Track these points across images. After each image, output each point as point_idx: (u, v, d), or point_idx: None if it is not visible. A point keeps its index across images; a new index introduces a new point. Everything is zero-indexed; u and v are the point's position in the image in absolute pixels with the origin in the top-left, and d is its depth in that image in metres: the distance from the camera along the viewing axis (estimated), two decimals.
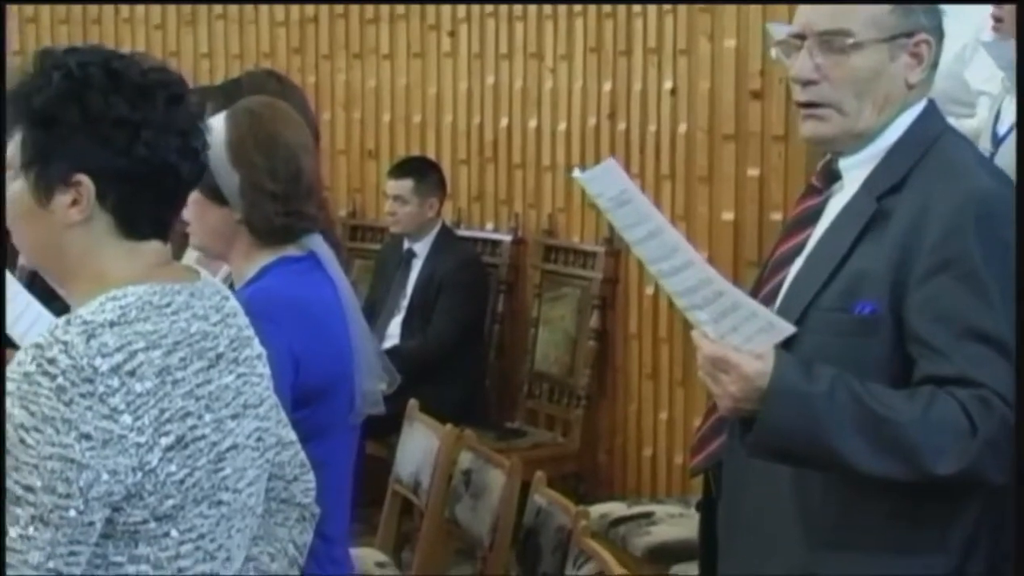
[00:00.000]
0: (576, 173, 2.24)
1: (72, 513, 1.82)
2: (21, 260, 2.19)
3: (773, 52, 2.46)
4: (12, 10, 7.46)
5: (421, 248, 6.04)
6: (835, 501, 2.26)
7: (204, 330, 1.97)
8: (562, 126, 6.03)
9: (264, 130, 2.68)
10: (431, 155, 6.40)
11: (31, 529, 1.81)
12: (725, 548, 2.42)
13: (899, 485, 2.19)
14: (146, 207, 1.97)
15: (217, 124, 2.67)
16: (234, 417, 1.99)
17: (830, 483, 2.25)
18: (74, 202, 1.94)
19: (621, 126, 5.76)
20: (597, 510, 4.54)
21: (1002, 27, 3.61)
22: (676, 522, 4.53)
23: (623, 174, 2.17)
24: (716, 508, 2.46)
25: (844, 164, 2.38)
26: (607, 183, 2.17)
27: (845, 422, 2.16)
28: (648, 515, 4.64)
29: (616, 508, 4.77)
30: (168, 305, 1.94)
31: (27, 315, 3.74)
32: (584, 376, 5.79)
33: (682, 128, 5.51)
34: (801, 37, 2.35)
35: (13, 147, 1.97)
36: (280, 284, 2.65)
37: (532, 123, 6.15)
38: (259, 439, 2.06)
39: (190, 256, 2.83)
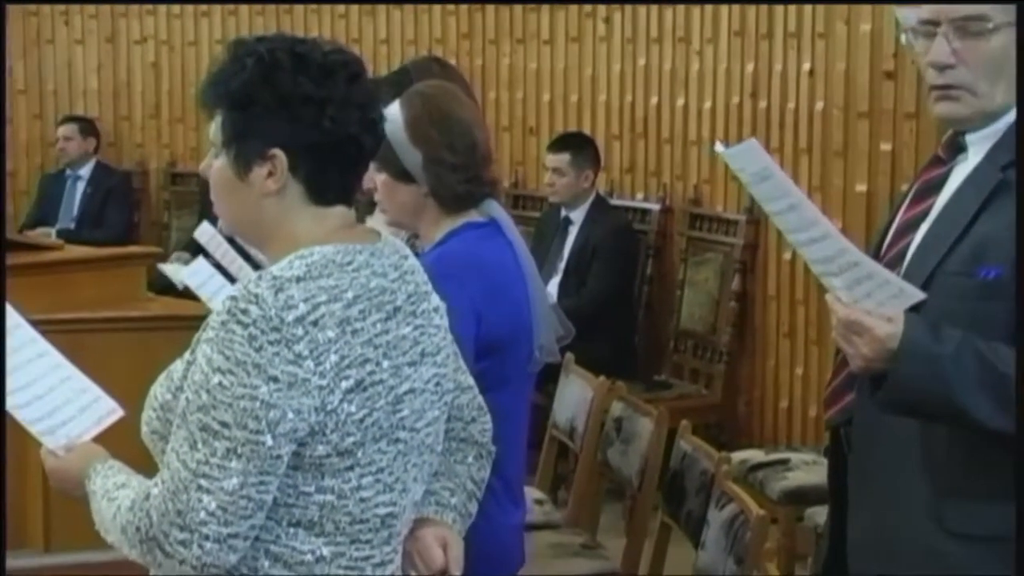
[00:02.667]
0: (719, 148, 2.22)
1: (262, 447, 1.86)
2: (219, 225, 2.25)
3: (903, 38, 2.41)
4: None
5: (577, 216, 6.04)
6: (960, 453, 2.22)
7: (383, 285, 1.99)
8: (707, 104, 5.97)
9: (437, 108, 2.70)
10: (587, 131, 6.39)
11: (227, 460, 1.86)
12: (855, 499, 2.38)
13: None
14: (332, 175, 2.00)
15: (393, 110, 2.69)
16: (411, 364, 2.00)
17: (955, 437, 2.21)
18: (270, 174, 1.97)
19: (762, 104, 5.70)
20: (737, 456, 4.52)
21: None
22: (810, 469, 4.49)
23: (764, 152, 2.15)
24: (845, 460, 2.44)
25: (970, 138, 2.32)
26: (748, 160, 2.15)
27: (970, 380, 2.12)
28: (784, 461, 4.61)
29: (754, 455, 4.74)
30: (350, 263, 1.96)
31: (210, 283, 3.86)
32: (726, 334, 5.75)
33: (819, 106, 5.44)
34: (934, 23, 2.30)
35: (214, 127, 2.01)
36: (463, 246, 2.67)
37: (680, 101, 6.11)
38: (437, 384, 2.07)
39: (378, 219, 2.87)
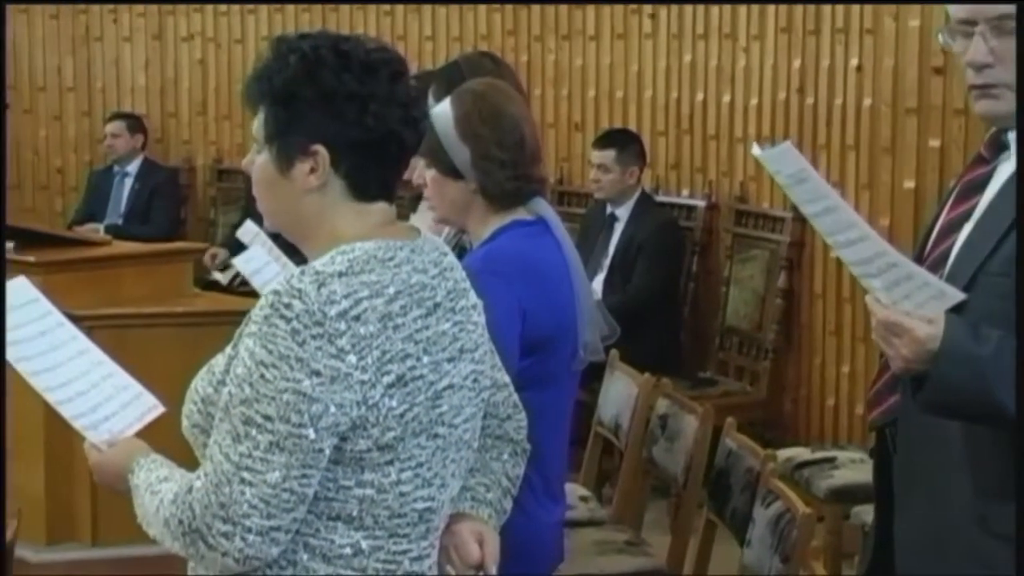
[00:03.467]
0: (755, 151, 2.21)
1: (304, 440, 1.86)
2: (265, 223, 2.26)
3: (940, 38, 2.39)
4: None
5: (622, 212, 6.03)
6: (1004, 454, 2.20)
7: (423, 282, 1.99)
8: (754, 101, 5.94)
9: (487, 105, 2.70)
10: (632, 128, 6.37)
11: (269, 453, 1.87)
12: (901, 500, 2.37)
13: None
14: (374, 172, 2.00)
15: (443, 107, 2.70)
16: (450, 360, 2.01)
17: (999, 437, 2.19)
18: (312, 170, 1.98)
19: (809, 100, 5.66)
20: (783, 454, 4.49)
21: None
22: (857, 467, 4.46)
23: (799, 155, 2.14)
24: (890, 461, 2.42)
25: (1012, 136, 2.30)
26: (785, 162, 2.14)
27: (1011, 381, 2.10)
28: (831, 460, 4.58)
29: (800, 453, 4.72)
30: (391, 259, 1.96)
31: (265, 271, 3.86)
32: (771, 331, 5.72)
33: (867, 102, 5.40)
34: (971, 23, 2.27)
35: (257, 123, 2.02)
36: (510, 244, 2.67)
37: (726, 98, 6.08)
38: (475, 380, 2.07)
39: (421, 216, 2.88)
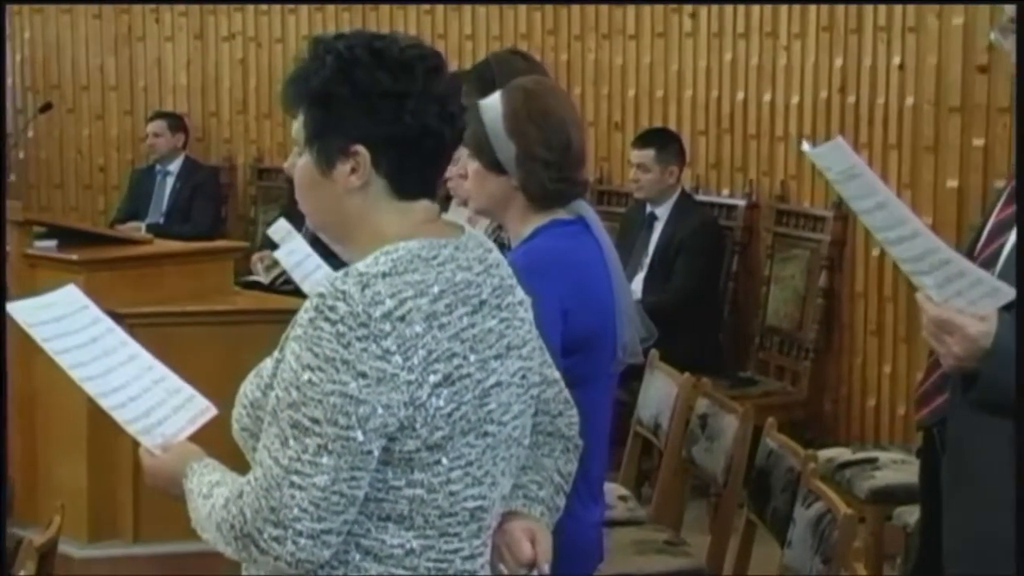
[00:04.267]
0: (805, 147, 2.19)
1: (353, 443, 1.86)
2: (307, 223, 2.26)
3: (992, 36, 2.36)
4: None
5: (662, 212, 6.01)
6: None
7: (468, 279, 1.98)
8: (795, 100, 5.91)
9: (537, 104, 2.69)
10: (672, 127, 6.35)
11: (318, 456, 1.87)
12: (949, 501, 2.35)
13: None
14: (414, 169, 2.00)
15: (493, 101, 2.70)
16: (498, 357, 2.00)
17: None
18: (353, 170, 1.98)
19: (851, 99, 5.63)
20: (824, 454, 4.47)
21: None
22: (899, 468, 4.43)
23: (851, 151, 2.12)
24: (938, 462, 2.40)
25: None
26: (835, 158, 2.12)
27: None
28: (872, 460, 4.55)
29: (841, 453, 4.69)
30: (435, 257, 1.96)
31: (307, 263, 3.86)
32: (812, 331, 5.70)
33: (909, 101, 5.36)
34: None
35: (297, 126, 2.02)
36: (551, 243, 2.67)
37: (766, 97, 6.05)
38: (523, 377, 2.06)
39: (455, 212, 2.88)
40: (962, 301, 2.13)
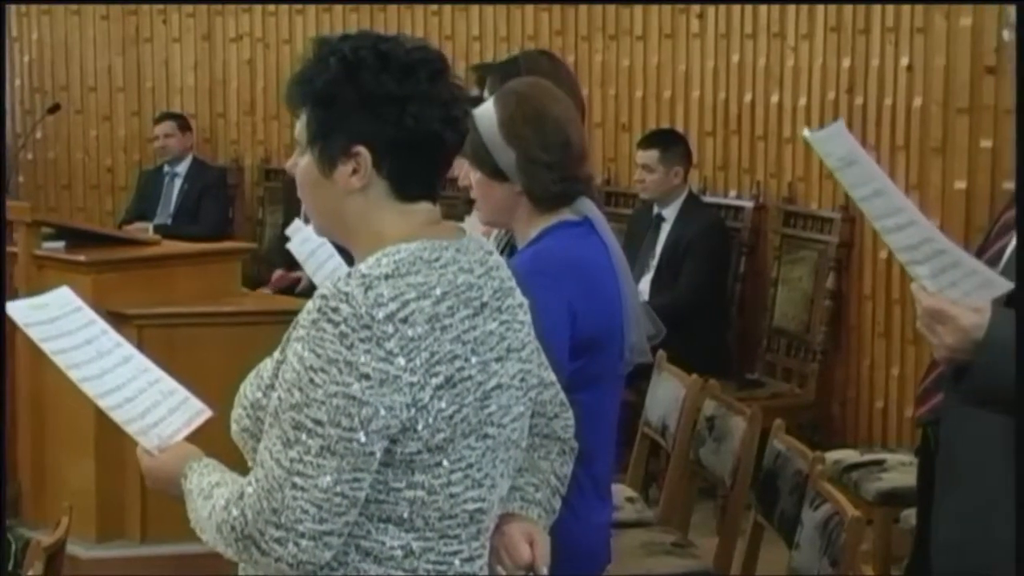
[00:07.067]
0: (806, 132, 2.18)
1: (355, 444, 1.86)
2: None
3: (1005, 34, 2.36)
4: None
5: (669, 213, 6.01)
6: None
7: (469, 281, 1.98)
8: (802, 101, 5.91)
9: (531, 107, 2.68)
10: (679, 128, 6.35)
11: (320, 458, 1.87)
12: (940, 498, 2.34)
13: None
14: (416, 172, 2.00)
15: (488, 108, 2.68)
16: (498, 359, 2.00)
17: None
18: (354, 171, 1.98)
19: (859, 100, 5.62)
20: (831, 456, 4.46)
21: None
22: (906, 470, 4.41)
23: (850, 136, 2.11)
24: (933, 459, 2.39)
25: None
26: (835, 144, 2.11)
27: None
28: (880, 463, 4.55)
29: (849, 455, 4.69)
30: (437, 259, 1.96)
31: (319, 252, 3.84)
32: (820, 333, 5.69)
33: (917, 102, 5.35)
34: None
35: (300, 126, 2.02)
36: (557, 245, 2.66)
37: (774, 98, 6.05)
38: (522, 379, 2.06)
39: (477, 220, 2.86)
40: (956, 292, 2.12)
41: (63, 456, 4.68)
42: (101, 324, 2.29)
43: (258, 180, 8.10)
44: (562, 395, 2.28)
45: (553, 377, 2.26)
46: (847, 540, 2.89)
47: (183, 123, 7.80)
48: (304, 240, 3.86)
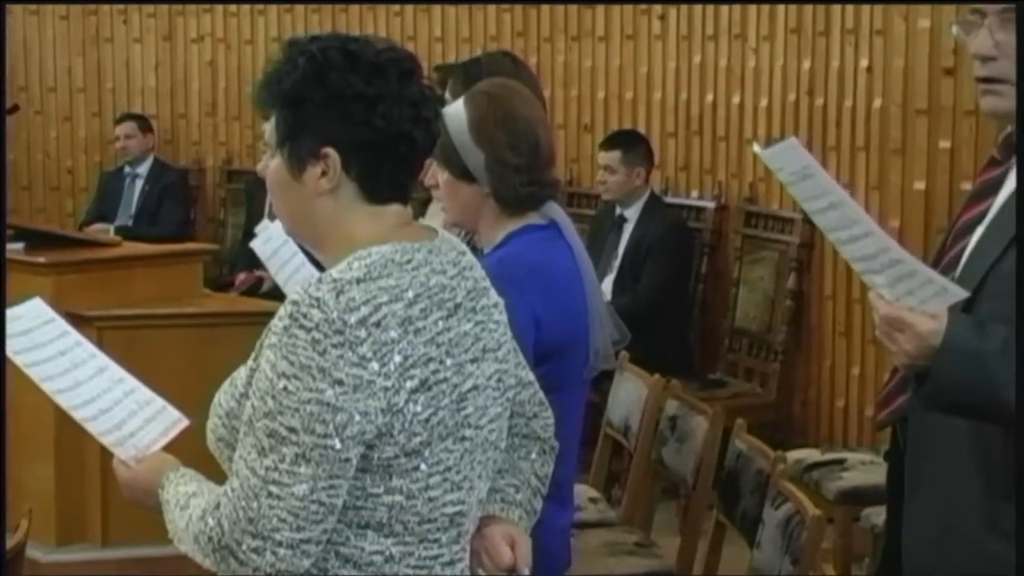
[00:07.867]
0: (756, 149, 2.18)
1: (330, 451, 1.85)
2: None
3: (954, 29, 2.37)
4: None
5: (631, 214, 6.02)
6: (1014, 453, 2.19)
7: (442, 283, 1.97)
8: (763, 102, 5.93)
9: (502, 108, 2.66)
10: (641, 129, 6.36)
11: (296, 466, 1.85)
12: (910, 499, 2.36)
13: None
14: (386, 173, 1.98)
15: (457, 108, 2.67)
16: (474, 361, 1.99)
17: (1010, 437, 2.18)
18: (323, 173, 1.96)
19: (819, 102, 5.66)
20: (793, 456, 4.48)
21: None
22: (867, 469, 4.45)
23: (804, 151, 2.11)
24: (902, 460, 2.41)
25: None
26: (788, 159, 2.11)
27: (1016, 378, 2.09)
28: (840, 461, 4.57)
29: (810, 454, 4.71)
30: (409, 262, 1.94)
31: (283, 251, 3.81)
32: (781, 333, 5.72)
33: (877, 103, 5.39)
34: (981, 15, 2.26)
35: (269, 128, 2.00)
36: (524, 250, 2.65)
37: (735, 99, 6.07)
38: (499, 380, 2.05)
39: (435, 219, 2.86)
40: (913, 300, 2.14)
41: (22, 459, 4.63)
42: (74, 335, 2.26)
43: (220, 181, 8.06)
44: (541, 395, 2.27)
45: (531, 377, 2.25)
46: (808, 539, 2.91)
47: (144, 124, 7.76)
48: (267, 239, 3.83)
